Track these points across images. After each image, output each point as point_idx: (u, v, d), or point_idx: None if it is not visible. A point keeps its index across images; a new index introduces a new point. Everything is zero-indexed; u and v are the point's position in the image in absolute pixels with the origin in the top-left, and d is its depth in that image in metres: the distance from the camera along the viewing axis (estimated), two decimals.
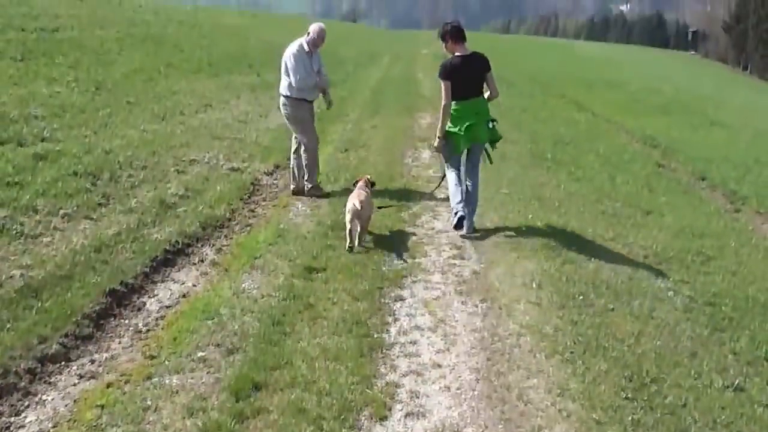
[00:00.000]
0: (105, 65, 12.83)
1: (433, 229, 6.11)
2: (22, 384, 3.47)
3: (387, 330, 4.16)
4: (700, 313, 4.64)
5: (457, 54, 5.77)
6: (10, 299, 4.13)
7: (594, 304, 4.58)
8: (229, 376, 3.55)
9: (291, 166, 7.17)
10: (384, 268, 5.11)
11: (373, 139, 10.25)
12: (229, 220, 6.26)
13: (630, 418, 3.32)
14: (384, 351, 3.90)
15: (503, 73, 18.54)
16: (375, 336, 4.05)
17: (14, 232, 5.12)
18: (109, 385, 3.49)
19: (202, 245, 5.61)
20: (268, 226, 6.08)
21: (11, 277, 4.42)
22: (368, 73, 22.20)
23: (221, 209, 6.36)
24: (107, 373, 3.63)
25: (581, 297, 4.65)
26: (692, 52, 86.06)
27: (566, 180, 8.19)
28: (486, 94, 5.89)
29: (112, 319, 4.28)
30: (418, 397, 3.45)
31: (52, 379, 3.58)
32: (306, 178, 7.05)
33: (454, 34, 5.78)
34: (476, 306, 4.54)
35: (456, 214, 5.84)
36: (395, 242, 5.68)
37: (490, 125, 5.84)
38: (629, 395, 3.51)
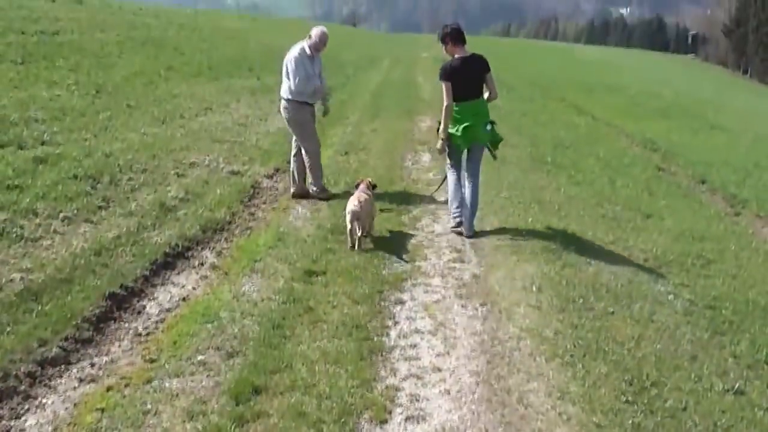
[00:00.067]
0: (105, 68, 12.84)
1: (433, 232, 6.12)
2: (22, 387, 3.47)
3: (387, 333, 4.16)
4: (700, 317, 4.64)
5: (456, 56, 5.80)
6: (10, 302, 4.13)
7: (594, 307, 4.58)
8: (229, 379, 3.55)
9: (291, 169, 7.17)
10: (384, 272, 5.11)
11: (373, 142, 10.26)
12: (229, 223, 6.26)
13: (630, 422, 3.31)
14: (384, 354, 3.89)
15: (503, 76, 18.61)
16: (375, 339, 4.05)
17: (14, 235, 5.12)
18: (109, 389, 3.49)
19: (202, 248, 5.61)
20: (268, 230, 6.08)
21: (11, 280, 4.42)
22: (368, 76, 22.22)
23: (221, 212, 6.36)
24: (107, 377, 3.63)
25: (581, 300, 4.65)
26: (692, 56, 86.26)
27: (566, 183, 8.20)
28: (485, 95, 5.91)
29: (112, 322, 4.28)
30: (418, 401, 3.45)
31: (52, 383, 3.57)
32: (311, 181, 7.05)
33: (454, 37, 5.81)
34: (476, 309, 4.54)
35: (455, 218, 5.94)
36: (395, 245, 5.68)
37: (488, 127, 5.86)
38: (629, 399, 3.51)
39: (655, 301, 4.78)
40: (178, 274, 5.11)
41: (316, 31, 6.81)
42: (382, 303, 4.57)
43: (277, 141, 9.48)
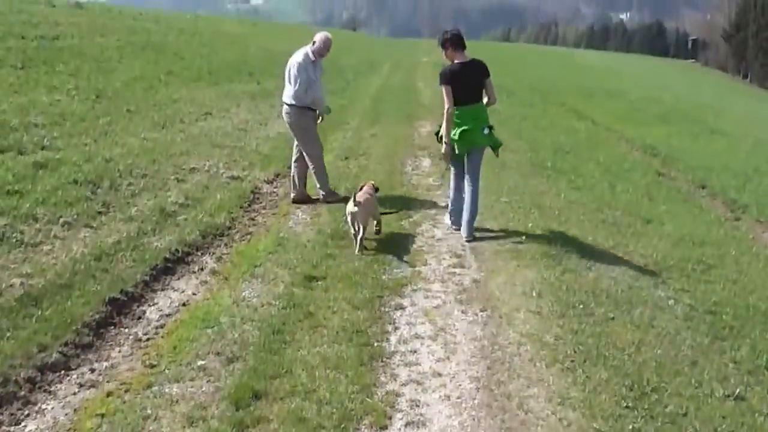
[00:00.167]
0: (105, 73, 12.86)
1: (433, 237, 6.12)
2: (22, 393, 3.47)
3: (387, 339, 4.15)
4: (700, 322, 4.63)
5: (456, 61, 5.81)
6: (10, 308, 4.13)
7: (594, 312, 4.57)
8: (229, 385, 3.55)
9: (291, 174, 7.18)
10: (384, 277, 5.11)
11: (373, 147, 10.27)
12: (229, 228, 6.26)
13: (631, 428, 3.31)
14: (384, 360, 3.89)
15: (503, 81, 18.62)
16: (375, 345, 4.04)
17: (14, 240, 5.12)
18: (109, 394, 3.49)
19: (202, 254, 5.62)
20: (268, 235, 6.08)
21: (11, 285, 4.42)
22: (368, 81, 22.25)
23: (221, 218, 6.36)
24: (107, 382, 3.63)
25: (581, 306, 4.65)
26: (692, 61, 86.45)
27: (566, 189, 8.20)
28: (484, 100, 5.93)
29: (112, 327, 4.27)
30: (418, 406, 3.45)
31: (52, 388, 3.57)
32: (318, 187, 7.06)
33: (454, 42, 5.82)
34: (476, 315, 4.54)
35: (452, 223, 6.08)
36: (395, 251, 5.68)
37: (486, 131, 5.87)
38: (630, 404, 3.50)
39: (656, 307, 4.78)
40: (178, 279, 5.11)
41: (320, 37, 6.83)
42: (382, 308, 4.57)
43: (277, 146, 9.49)
